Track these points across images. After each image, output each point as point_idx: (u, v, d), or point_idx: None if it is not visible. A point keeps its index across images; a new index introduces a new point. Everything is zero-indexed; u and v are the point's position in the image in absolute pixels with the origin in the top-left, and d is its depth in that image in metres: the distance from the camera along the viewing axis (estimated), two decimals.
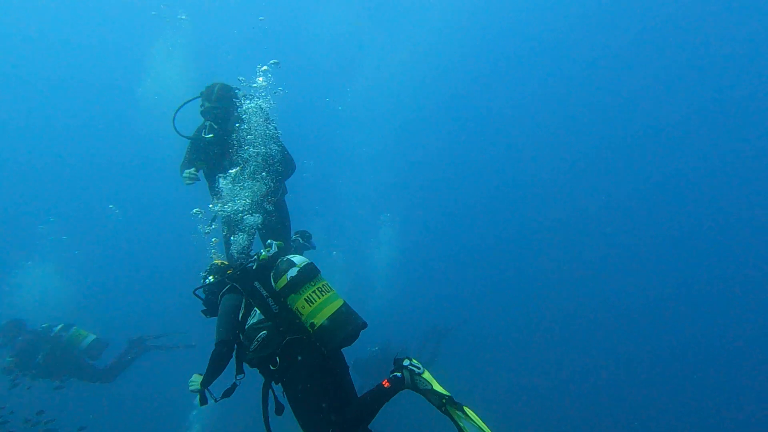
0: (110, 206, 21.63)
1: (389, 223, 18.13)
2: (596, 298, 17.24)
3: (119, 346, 7.78)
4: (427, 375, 2.86)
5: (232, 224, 4.27)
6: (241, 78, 4.43)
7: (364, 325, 2.99)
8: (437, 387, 2.79)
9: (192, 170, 4.62)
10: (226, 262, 3.50)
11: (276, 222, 4.77)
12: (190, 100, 4.53)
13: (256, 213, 4.29)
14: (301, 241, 5.11)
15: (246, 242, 4.21)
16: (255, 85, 4.39)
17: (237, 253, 4.18)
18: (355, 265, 14.90)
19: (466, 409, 2.65)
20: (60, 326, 7.15)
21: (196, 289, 3.30)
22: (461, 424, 2.59)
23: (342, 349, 3.06)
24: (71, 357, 7.09)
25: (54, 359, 6.92)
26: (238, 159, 4.38)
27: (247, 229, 4.24)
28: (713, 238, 20.72)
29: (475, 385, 10.86)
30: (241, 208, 4.18)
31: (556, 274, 18.53)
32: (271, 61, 4.43)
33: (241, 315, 3.05)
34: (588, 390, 12.29)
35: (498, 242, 21.54)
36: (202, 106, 4.49)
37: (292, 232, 5.16)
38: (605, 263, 19.50)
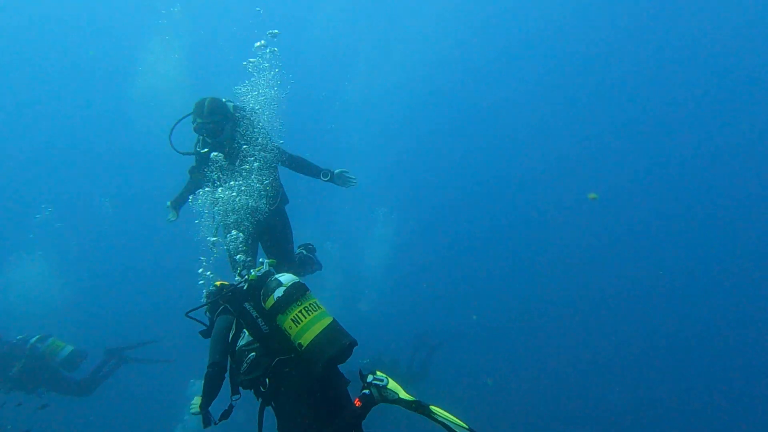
0: (104, 201, 21.44)
1: (385, 219, 17.99)
2: (603, 299, 17.08)
3: (98, 356, 7.59)
4: (392, 384, 2.78)
5: (229, 218, 4.27)
6: (248, 61, 4.52)
7: (353, 344, 2.91)
8: (403, 394, 2.73)
9: (170, 210, 4.83)
10: (226, 283, 3.44)
11: (278, 233, 4.84)
12: (183, 118, 4.61)
13: (252, 199, 4.31)
14: (305, 253, 5.17)
15: (242, 237, 4.22)
16: (257, 60, 4.48)
17: (235, 250, 4.22)
18: (348, 261, 14.75)
19: (432, 408, 2.60)
20: (36, 337, 6.96)
21: (188, 312, 3.21)
22: (440, 420, 2.57)
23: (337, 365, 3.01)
24: (48, 369, 6.91)
25: (30, 372, 6.74)
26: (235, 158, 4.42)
27: (244, 218, 4.28)
28: (709, 233, 20.46)
29: (471, 389, 10.68)
30: (236, 197, 4.24)
31: (561, 273, 18.26)
32: (270, 32, 4.52)
33: (231, 336, 3.01)
34: (590, 392, 12.16)
35: (498, 240, 21.32)
36: (194, 122, 4.51)
37: (296, 245, 5.20)
38: (612, 262, 19.32)
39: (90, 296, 17.03)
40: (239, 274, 3.40)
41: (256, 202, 4.44)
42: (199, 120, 4.45)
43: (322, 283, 5.81)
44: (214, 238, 4.22)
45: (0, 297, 14.89)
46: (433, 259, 19.81)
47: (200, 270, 4.05)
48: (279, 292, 2.91)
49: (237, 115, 4.57)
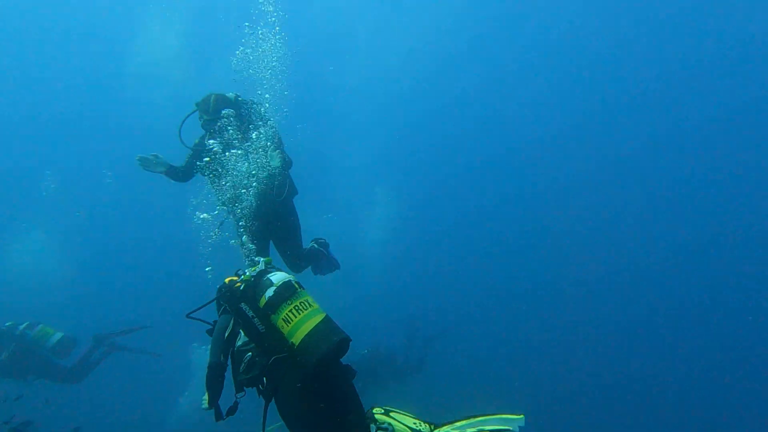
0: (106, 174, 21.19)
1: (383, 199, 17.84)
2: (605, 286, 16.90)
3: (88, 341, 7.53)
4: (399, 427, 2.77)
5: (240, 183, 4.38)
6: (246, 24, 4.70)
7: (345, 341, 2.89)
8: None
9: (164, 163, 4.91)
10: (235, 278, 3.41)
11: (286, 225, 4.90)
12: (191, 114, 4.81)
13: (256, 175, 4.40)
14: (317, 247, 5.29)
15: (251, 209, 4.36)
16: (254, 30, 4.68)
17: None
18: (346, 241, 14.57)
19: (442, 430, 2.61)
20: (25, 324, 6.92)
21: (189, 313, 3.22)
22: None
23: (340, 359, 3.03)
24: (37, 356, 6.90)
25: (18, 358, 6.72)
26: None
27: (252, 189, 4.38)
28: (711, 243, 20.03)
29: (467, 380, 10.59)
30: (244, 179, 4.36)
31: (564, 260, 17.93)
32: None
33: (227, 335, 3.04)
34: (589, 382, 12.08)
35: (497, 226, 21.02)
36: (200, 119, 4.76)
37: (308, 239, 5.29)
38: (615, 246, 19.02)
39: (88, 273, 17.00)
40: (236, 273, 3.38)
41: (263, 176, 4.49)
42: (205, 117, 4.66)
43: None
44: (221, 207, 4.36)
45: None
46: (431, 243, 19.65)
47: (214, 229, 4.23)
48: (270, 292, 2.91)
49: (241, 111, 4.65)
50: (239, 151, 4.38)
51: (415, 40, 22.14)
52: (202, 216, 4.40)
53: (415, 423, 2.69)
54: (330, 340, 2.78)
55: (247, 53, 4.73)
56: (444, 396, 8.81)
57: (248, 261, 4.42)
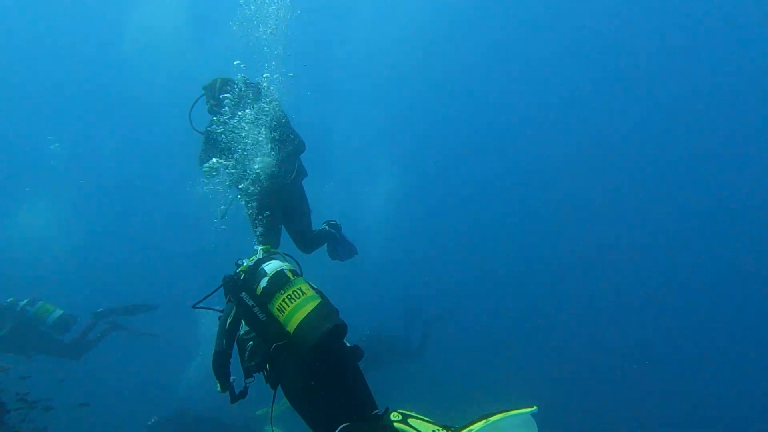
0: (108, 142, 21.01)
1: (385, 177, 17.74)
2: (603, 270, 16.77)
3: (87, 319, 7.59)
4: None
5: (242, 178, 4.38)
6: None
7: (338, 327, 2.89)
8: None
9: (214, 161, 4.68)
10: (244, 264, 3.45)
11: (295, 207, 4.90)
12: (199, 98, 4.81)
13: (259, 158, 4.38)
14: (327, 229, 5.32)
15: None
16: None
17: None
18: (348, 224, 14.47)
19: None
20: (25, 301, 7.06)
21: (195, 304, 3.27)
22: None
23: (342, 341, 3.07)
24: (37, 332, 6.99)
25: (18, 334, 6.82)
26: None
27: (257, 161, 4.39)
28: (710, 234, 19.76)
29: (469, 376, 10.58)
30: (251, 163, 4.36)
31: (572, 249, 17.76)
32: None
33: (229, 323, 3.12)
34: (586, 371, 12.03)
35: (505, 205, 20.85)
36: (207, 104, 4.75)
37: (321, 221, 5.34)
38: (612, 228, 18.90)
39: (93, 247, 17.04)
40: (236, 263, 3.43)
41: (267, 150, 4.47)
42: (212, 102, 4.65)
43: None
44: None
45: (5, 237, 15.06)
46: (431, 223, 19.53)
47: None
48: (264, 282, 2.98)
49: (247, 91, 4.54)
50: (249, 116, 4.36)
51: (421, 12, 21.54)
52: (213, 162, 4.41)
53: (434, 430, 2.59)
54: (322, 328, 2.77)
55: (251, 10, 4.61)
56: (445, 381, 8.87)
57: (257, 240, 4.53)
